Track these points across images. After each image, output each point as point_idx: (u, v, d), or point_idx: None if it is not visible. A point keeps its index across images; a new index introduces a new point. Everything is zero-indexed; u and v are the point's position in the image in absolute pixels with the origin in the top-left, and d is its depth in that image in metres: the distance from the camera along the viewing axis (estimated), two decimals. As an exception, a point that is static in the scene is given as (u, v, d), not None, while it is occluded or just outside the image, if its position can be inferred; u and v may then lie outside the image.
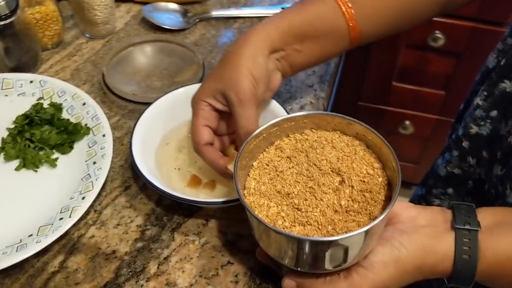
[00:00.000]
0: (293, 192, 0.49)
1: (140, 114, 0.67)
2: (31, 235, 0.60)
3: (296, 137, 0.55)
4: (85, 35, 0.90)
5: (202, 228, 0.63)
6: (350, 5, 0.62)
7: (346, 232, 0.46)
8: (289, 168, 0.51)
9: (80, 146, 0.70)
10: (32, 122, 0.71)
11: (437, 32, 1.35)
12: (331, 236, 0.46)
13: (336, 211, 0.48)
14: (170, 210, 0.65)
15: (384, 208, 0.47)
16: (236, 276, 0.59)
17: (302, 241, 0.45)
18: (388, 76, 1.51)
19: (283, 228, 0.47)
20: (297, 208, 0.48)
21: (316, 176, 0.50)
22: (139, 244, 0.61)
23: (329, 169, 0.50)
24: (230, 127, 0.64)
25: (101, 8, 0.86)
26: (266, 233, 0.48)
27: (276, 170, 0.52)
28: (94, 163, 0.66)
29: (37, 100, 0.75)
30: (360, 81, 1.56)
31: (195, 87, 0.67)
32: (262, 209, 0.49)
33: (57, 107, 0.73)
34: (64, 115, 0.73)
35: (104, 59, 0.84)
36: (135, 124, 0.66)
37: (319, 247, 0.45)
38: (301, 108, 0.78)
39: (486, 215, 0.50)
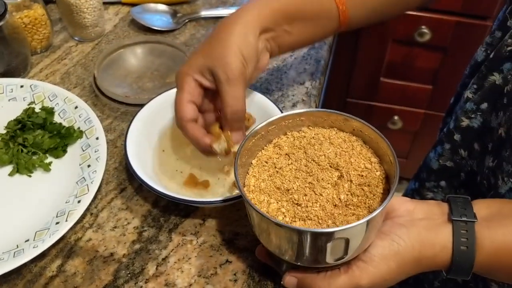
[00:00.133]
0: (293, 188, 0.49)
1: (133, 116, 0.67)
2: (27, 240, 0.60)
3: (293, 134, 0.55)
4: (74, 38, 0.90)
5: (199, 228, 0.63)
6: None
7: None
8: (288, 164, 0.52)
9: (73, 150, 0.70)
10: (24, 127, 0.71)
11: (423, 27, 1.37)
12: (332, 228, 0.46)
13: (335, 205, 0.48)
14: (166, 211, 0.65)
15: (382, 201, 0.48)
16: (235, 274, 0.59)
17: (304, 233, 0.45)
18: (376, 72, 1.53)
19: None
20: (297, 204, 0.48)
21: (315, 172, 0.50)
22: (137, 246, 0.61)
23: (328, 165, 0.51)
24: (214, 104, 0.63)
25: (89, 11, 0.86)
26: (267, 228, 0.48)
27: (275, 167, 0.52)
28: (89, 166, 0.66)
29: (28, 104, 0.74)
30: (348, 78, 1.57)
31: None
32: (263, 205, 0.49)
33: (49, 111, 0.73)
34: (56, 119, 0.73)
35: (94, 62, 0.84)
36: (128, 126, 0.66)
37: (320, 240, 0.45)
38: (293, 105, 0.78)
39: (481, 207, 0.50)
